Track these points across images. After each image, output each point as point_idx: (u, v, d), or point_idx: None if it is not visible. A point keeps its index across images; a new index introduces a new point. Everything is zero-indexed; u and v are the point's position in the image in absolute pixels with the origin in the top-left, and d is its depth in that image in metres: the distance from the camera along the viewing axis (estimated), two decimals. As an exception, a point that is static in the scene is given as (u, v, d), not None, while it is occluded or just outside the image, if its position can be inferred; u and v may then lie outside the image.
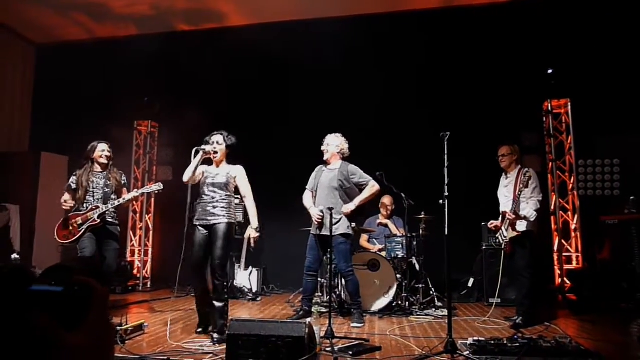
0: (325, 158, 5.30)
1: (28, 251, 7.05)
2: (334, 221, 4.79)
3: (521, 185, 4.79)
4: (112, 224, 4.86)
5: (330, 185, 5.13)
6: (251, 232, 4.36)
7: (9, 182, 7.48)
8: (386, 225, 6.55)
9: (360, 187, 5.17)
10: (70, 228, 4.67)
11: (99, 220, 4.67)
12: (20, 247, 7.01)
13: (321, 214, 5.01)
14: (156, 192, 4.78)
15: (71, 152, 7.67)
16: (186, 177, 4.22)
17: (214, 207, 4.20)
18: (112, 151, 4.96)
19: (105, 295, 0.65)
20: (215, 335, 3.96)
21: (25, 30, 8.48)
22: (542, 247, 6.40)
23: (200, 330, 4.35)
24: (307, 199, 5.30)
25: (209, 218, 4.18)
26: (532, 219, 4.81)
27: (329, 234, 4.66)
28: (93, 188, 4.78)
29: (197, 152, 4.20)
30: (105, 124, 7.04)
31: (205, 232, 4.21)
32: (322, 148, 5.32)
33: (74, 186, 4.80)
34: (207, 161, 4.42)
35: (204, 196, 4.28)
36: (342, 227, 5.01)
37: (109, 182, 4.85)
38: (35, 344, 0.56)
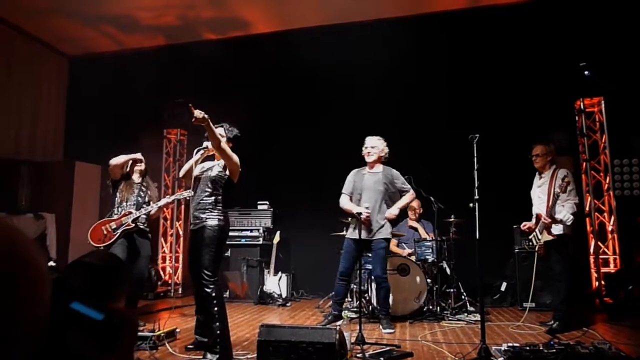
0: (369, 160, 5.21)
1: (63, 258, 7.23)
2: (378, 225, 4.77)
3: (558, 190, 4.65)
4: (143, 232, 4.98)
5: (376, 188, 5.08)
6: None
7: (45, 191, 7.69)
8: (416, 229, 6.49)
9: (402, 193, 5.19)
10: (105, 232, 4.79)
11: (133, 225, 4.80)
12: (56, 254, 7.20)
13: (369, 212, 4.94)
14: (187, 198, 4.86)
15: (104, 161, 7.85)
16: (182, 172, 4.02)
17: (200, 207, 3.79)
18: (144, 161, 5.16)
19: (136, 326, 0.66)
20: (209, 355, 3.54)
21: (58, 43, 8.74)
22: (578, 250, 6.23)
23: (191, 346, 4.00)
24: (345, 202, 5.19)
25: (196, 221, 3.79)
26: (569, 223, 4.68)
27: (371, 237, 4.63)
28: (129, 196, 4.95)
29: (198, 151, 3.90)
30: (135, 132, 7.19)
31: (194, 236, 3.81)
32: (366, 150, 5.22)
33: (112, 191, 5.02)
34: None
35: (194, 195, 3.91)
36: (385, 231, 5.01)
37: (142, 193, 5.02)
38: None
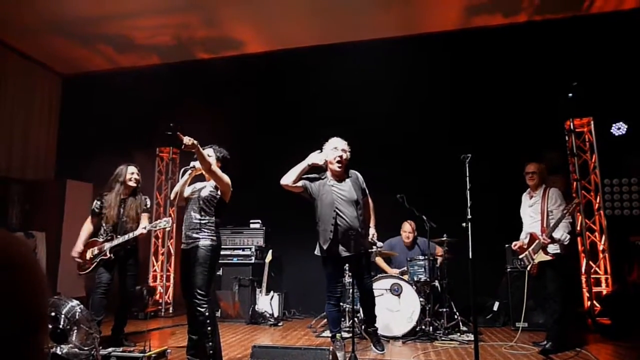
0: (342, 167, 4.65)
1: (53, 276, 7.13)
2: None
3: (565, 212, 4.66)
4: (131, 251, 4.88)
5: (351, 199, 4.57)
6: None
7: (36, 209, 7.64)
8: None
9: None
10: (87, 257, 4.71)
11: (109, 255, 4.65)
12: (46, 272, 7.10)
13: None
14: (164, 228, 4.69)
15: (96, 179, 7.82)
16: (172, 194, 3.95)
17: (192, 227, 3.79)
18: (140, 175, 5.01)
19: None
20: None
21: (52, 62, 8.75)
22: (572, 270, 6.25)
23: None
24: None
25: (188, 240, 3.80)
26: (567, 242, 4.71)
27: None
28: (113, 215, 4.76)
29: (185, 172, 3.87)
30: (128, 150, 7.17)
31: (186, 255, 3.83)
32: (343, 155, 4.66)
33: (97, 210, 4.86)
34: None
35: (186, 215, 3.91)
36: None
37: (131, 212, 4.82)
38: None
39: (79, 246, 4.81)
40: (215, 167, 3.72)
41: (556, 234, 4.71)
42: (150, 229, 4.72)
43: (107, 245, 4.67)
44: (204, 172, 3.80)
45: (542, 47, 6.94)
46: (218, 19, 7.40)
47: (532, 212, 5.00)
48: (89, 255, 4.73)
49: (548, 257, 4.72)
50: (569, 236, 4.71)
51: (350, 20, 7.21)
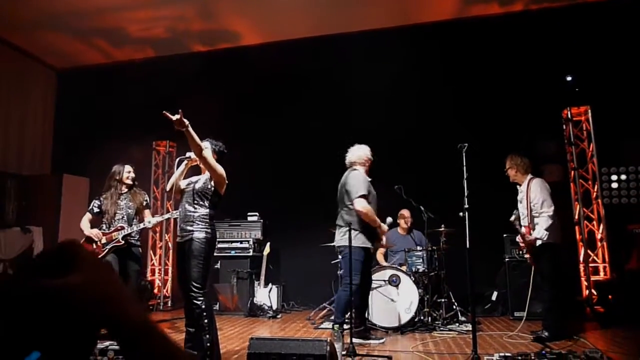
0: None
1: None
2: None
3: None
4: (134, 245, 4.90)
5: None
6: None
7: (32, 204, 7.62)
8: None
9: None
10: (94, 246, 4.71)
11: (123, 242, 4.73)
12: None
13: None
14: (169, 219, 4.84)
15: (92, 173, 7.81)
16: (168, 185, 3.93)
17: (187, 219, 3.75)
18: (134, 171, 5.08)
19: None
20: None
21: (46, 56, 8.69)
22: (565, 258, 6.24)
23: None
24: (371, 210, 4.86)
25: (183, 233, 3.74)
26: (545, 239, 4.68)
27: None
28: (116, 209, 4.84)
29: (180, 162, 3.86)
30: (124, 144, 7.14)
31: (181, 248, 3.77)
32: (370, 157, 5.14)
33: (96, 210, 4.89)
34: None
35: (180, 208, 3.87)
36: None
37: (130, 203, 4.91)
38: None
39: (87, 230, 4.81)
40: (207, 153, 3.67)
41: (534, 233, 4.72)
42: (160, 219, 4.97)
43: (123, 232, 4.72)
44: (196, 158, 3.75)
45: (538, 36, 6.90)
46: (213, 11, 7.35)
47: (521, 207, 4.98)
48: (95, 245, 4.72)
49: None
50: (546, 233, 4.66)
51: (345, 11, 7.17)
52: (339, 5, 7.05)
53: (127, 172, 4.99)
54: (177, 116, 3.39)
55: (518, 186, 5.09)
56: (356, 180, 4.83)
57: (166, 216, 5.28)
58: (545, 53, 6.83)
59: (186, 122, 3.42)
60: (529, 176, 4.97)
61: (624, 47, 6.61)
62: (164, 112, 3.39)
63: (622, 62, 6.60)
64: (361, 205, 4.70)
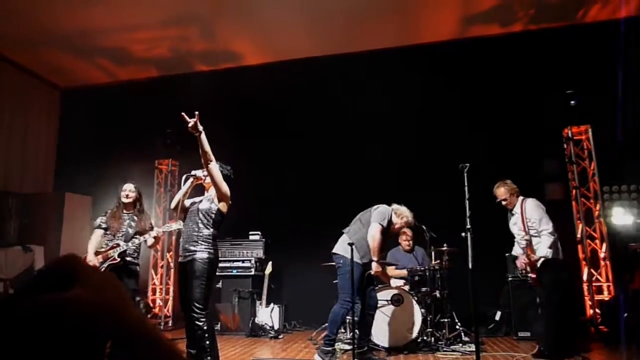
0: None
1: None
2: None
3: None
4: (131, 263, 4.83)
5: None
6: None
7: (34, 222, 7.60)
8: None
9: None
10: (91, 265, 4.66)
11: (119, 259, 4.62)
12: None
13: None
14: (176, 230, 4.69)
15: (94, 192, 7.82)
16: (173, 203, 3.93)
17: (190, 239, 3.73)
18: (136, 191, 4.91)
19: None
20: None
21: (50, 75, 8.77)
22: (567, 274, 6.20)
23: None
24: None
25: (186, 253, 3.73)
26: (550, 255, 4.67)
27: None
28: (118, 226, 4.77)
29: (187, 179, 3.89)
30: (126, 163, 7.16)
31: (184, 268, 3.74)
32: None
33: (104, 225, 4.83)
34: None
35: (184, 227, 3.86)
36: None
37: (133, 223, 4.80)
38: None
39: (91, 255, 4.73)
40: (214, 166, 3.68)
41: (537, 252, 4.70)
42: (163, 231, 4.66)
43: (118, 250, 4.61)
44: (202, 177, 3.74)
45: (538, 56, 6.97)
46: (215, 31, 7.43)
47: (517, 229, 4.95)
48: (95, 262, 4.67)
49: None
50: (549, 250, 4.65)
51: (347, 31, 7.24)
52: (340, 26, 7.12)
53: (123, 191, 4.85)
54: (194, 120, 3.44)
55: (510, 213, 5.07)
56: (385, 214, 4.93)
57: (161, 229, 4.69)
58: (545, 72, 6.87)
59: (200, 127, 3.47)
60: (520, 198, 4.98)
61: (622, 65, 6.65)
62: (182, 113, 3.45)
63: (621, 81, 6.64)
64: (376, 230, 4.78)
